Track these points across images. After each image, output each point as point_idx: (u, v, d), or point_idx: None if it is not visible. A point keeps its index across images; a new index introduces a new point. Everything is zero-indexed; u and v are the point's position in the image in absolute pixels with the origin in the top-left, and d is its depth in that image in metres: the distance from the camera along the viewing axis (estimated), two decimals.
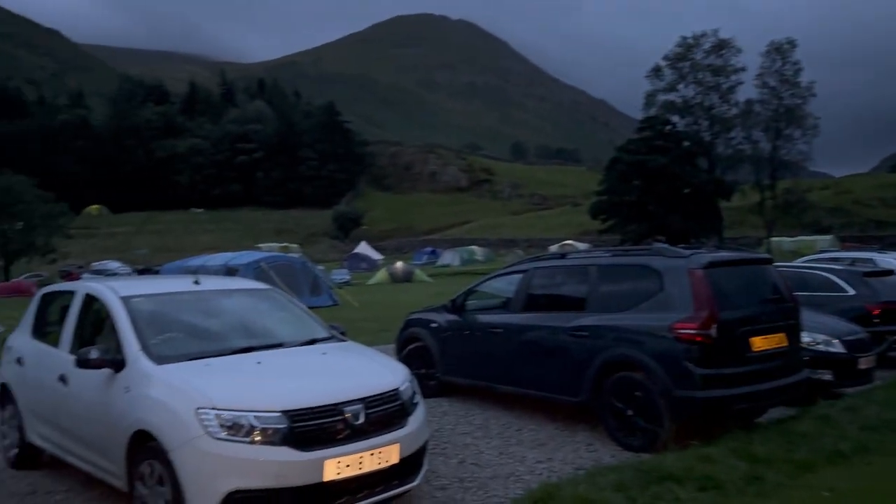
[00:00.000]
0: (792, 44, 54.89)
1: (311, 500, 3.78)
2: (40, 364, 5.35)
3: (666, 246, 6.41)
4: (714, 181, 53.63)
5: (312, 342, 5.00)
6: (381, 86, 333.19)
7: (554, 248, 43.46)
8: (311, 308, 6.03)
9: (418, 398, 4.61)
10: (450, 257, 55.04)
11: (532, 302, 7.15)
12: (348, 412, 3.98)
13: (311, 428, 3.84)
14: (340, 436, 3.92)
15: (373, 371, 4.58)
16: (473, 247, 59.74)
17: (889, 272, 10.60)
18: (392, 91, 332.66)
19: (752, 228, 59.46)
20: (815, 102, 55.54)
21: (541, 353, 6.79)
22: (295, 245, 67.02)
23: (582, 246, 43.87)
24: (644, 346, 5.83)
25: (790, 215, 59.40)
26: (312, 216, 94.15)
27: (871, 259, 12.99)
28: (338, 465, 3.82)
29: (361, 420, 4.02)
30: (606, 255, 6.97)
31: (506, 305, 7.55)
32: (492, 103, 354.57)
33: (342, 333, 5.41)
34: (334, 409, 3.95)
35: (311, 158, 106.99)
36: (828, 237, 49.21)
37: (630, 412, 5.88)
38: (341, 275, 35.97)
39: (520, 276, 7.50)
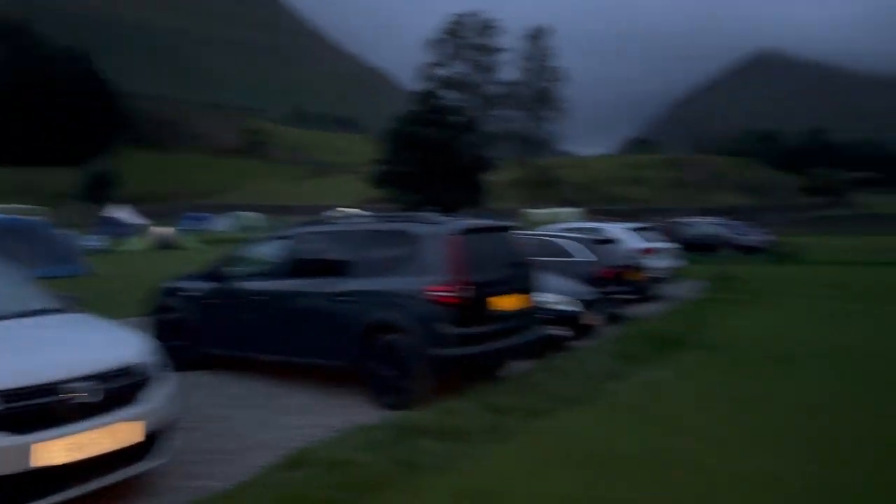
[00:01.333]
0: (545, 30, 59.94)
1: (29, 488, 3.40)
2: None
3: (424, 213, 6.73)
4: (477, 156, 57.05)
5: (35, 314, 4.47)
6: (150, 35, 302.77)
7: (329, 216, 43.32)
8: (55, 277, 5.38)
9: (164, 372, 4.34)
10: (221, 223, 52.37)
11: (298, 268, 7.09)
12: (74, 390, 3.63)
13: (30, 408, 3.44)
14: (66, 416, 3.56)
15: (105, 344, 4.21)
16: (247, 212, 57.42)
17: (612, 241, 12.19)
18: (163, 42, 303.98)
19: (512, 201, 64.49)
20: (569, 87, 61.43)
21: (307, 320, 6.78)
22: (38, 207, 59.11)
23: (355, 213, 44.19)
24: (403, 308, 6.08)
25: (544, 190, 65.30)
26: (60, 175, 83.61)
27: (598, 229, 14.81)
28: (60, 448, 3.47)
29: (91, 398, 3.68)
30: (370, 221, 7.13)
31: (271, 272, 7.39)
32: (272, 64, 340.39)
33: (78, 304, 4.90)
34: (57, 386, 3.57)
35: (60, 110, 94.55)
36: (575, 209, 54.92)
37: (390, 373, 6.11)
38: (94, 241, 32.48)
39: (286, 241, 7.39)
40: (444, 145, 52.75)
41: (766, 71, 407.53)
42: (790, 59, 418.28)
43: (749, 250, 25.70)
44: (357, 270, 6.54)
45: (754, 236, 28.08)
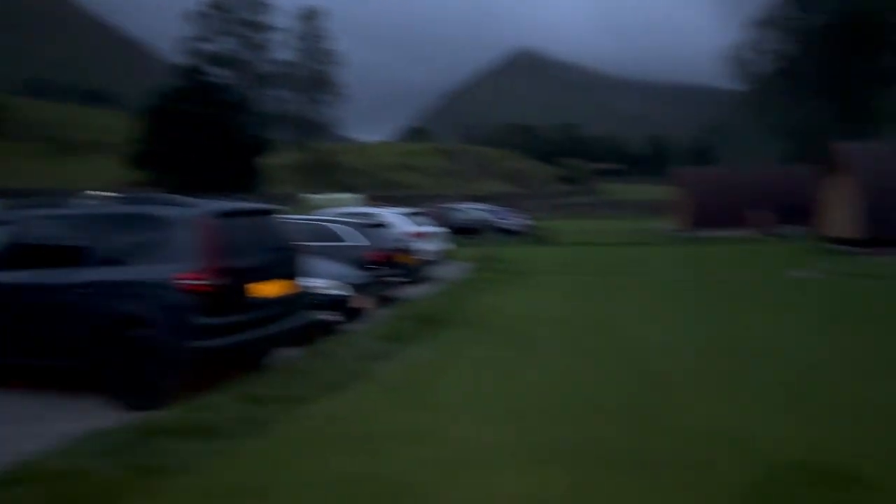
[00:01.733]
0: (319, 11, 59.25)
1: None
2: None
3: (173, 195, 6.23)
4: (251, 137, 54.88)
5: None
6: None
7: (81, 200, 38.94)
8: None
9: None
10: None
11: (24, 257, 6.21)
12: None
13: None
14: None
15: None
16: None
17: (384, 225, 12.41)
18: None
19: (291, 185, 62.99)
20: (346, 72, 61.38)
21: (35, 316, 6.00)
22: None
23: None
24: (149, 299, 5.58)
25: (323, 174, 64.74)
26: None
27: (371, 213, 15.01)
28: None
29: None
30: (112, 204, 6.44)
31: None
32: (5, 29, 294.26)
33: None
34: None
35: None
36: (355, 195, 55.14)
37: (136, 370, 5.58)
38: None
39: (6, 227, 6.40)
40: (214, 124, 49.83)
41: (526, 69, 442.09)
42: (546, 59, 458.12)
43: (510, 233, 27.94)
44: (95, 259, 5.86)
45: (514, 221, 30.71)
